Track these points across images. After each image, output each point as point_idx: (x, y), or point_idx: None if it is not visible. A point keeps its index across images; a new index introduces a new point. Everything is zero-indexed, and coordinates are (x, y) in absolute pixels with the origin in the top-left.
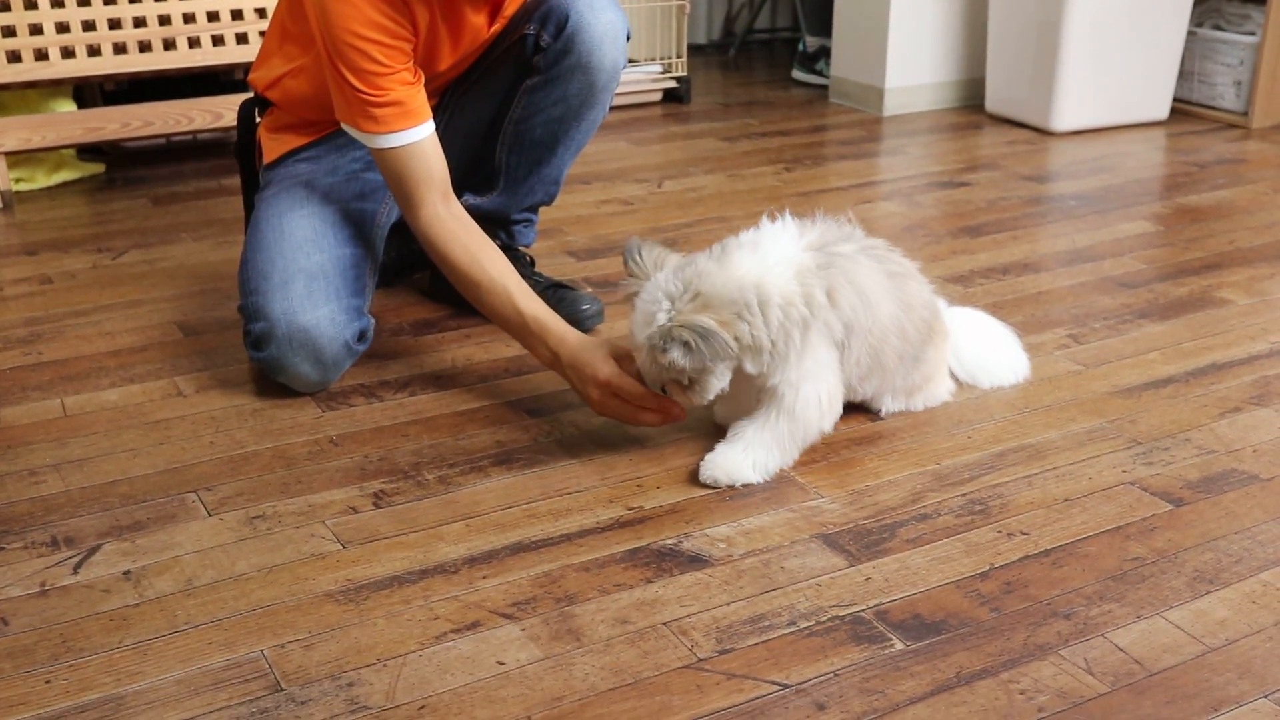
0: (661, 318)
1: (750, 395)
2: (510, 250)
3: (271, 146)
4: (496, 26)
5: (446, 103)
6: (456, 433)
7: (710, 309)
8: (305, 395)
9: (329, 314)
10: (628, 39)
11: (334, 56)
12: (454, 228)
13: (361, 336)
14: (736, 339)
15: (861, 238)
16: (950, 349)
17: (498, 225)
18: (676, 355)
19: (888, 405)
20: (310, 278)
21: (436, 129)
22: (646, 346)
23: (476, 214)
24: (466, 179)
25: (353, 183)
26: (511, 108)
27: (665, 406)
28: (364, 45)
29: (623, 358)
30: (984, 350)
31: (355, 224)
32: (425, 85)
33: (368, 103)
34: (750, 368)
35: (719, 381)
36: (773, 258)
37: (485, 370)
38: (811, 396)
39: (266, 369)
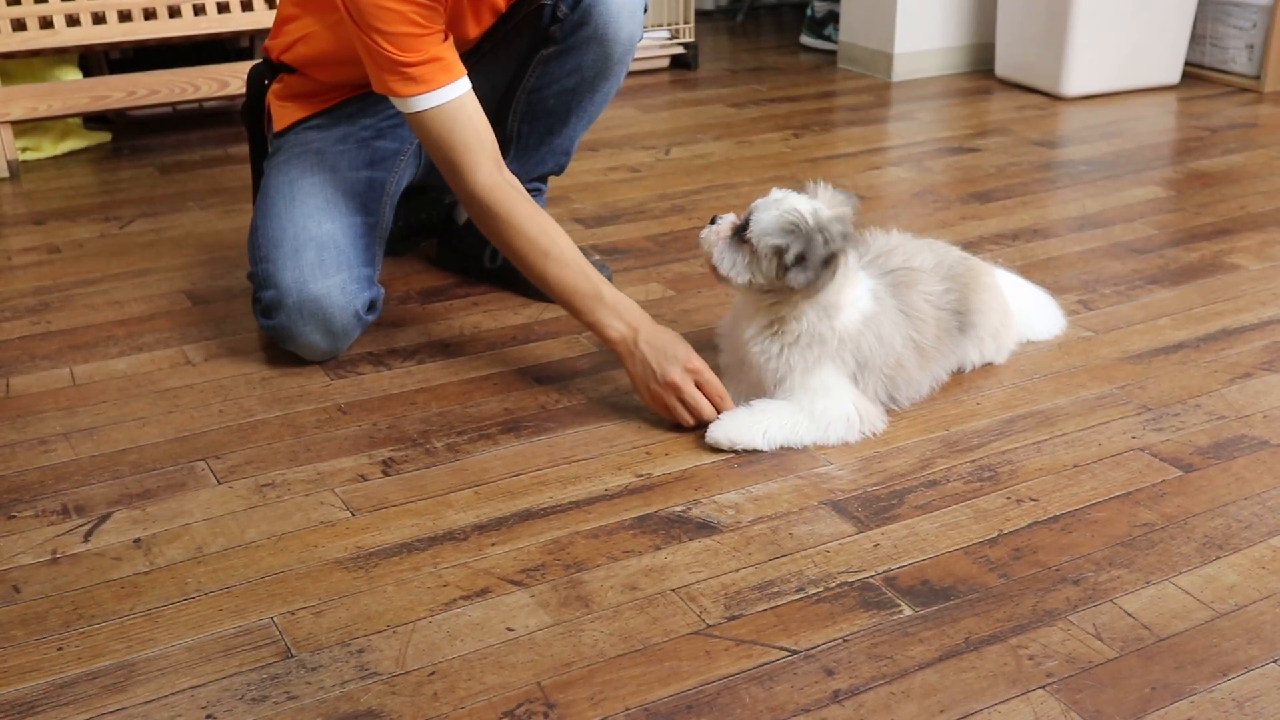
0: (807, 219)
1: (756, 369)
2: None
3: (281, 114)
4: None
5: None
6: (465, 400)
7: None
8: (314, 364)
9: (340, 283)
10: (645, 10)
11: (365, 28)
12: (515, 195)
13: (371, 306)
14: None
15: (872, 250)
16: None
17: None
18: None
19: (972, 364)
20: (321, 246)
21: None
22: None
23: None
24: None
25: (363, 150)
26: (525, 77)
27: (706, 413)
28: (399, 6)
29: (693, 357)
30: (1020, 307)
31: (365, 192)
32: None
33: (404, 64)
34: (763, 346)
35: (741, 277)
36: (863, 290)
37: (493, 338)
38: (837, 413)
39: (276, 337)
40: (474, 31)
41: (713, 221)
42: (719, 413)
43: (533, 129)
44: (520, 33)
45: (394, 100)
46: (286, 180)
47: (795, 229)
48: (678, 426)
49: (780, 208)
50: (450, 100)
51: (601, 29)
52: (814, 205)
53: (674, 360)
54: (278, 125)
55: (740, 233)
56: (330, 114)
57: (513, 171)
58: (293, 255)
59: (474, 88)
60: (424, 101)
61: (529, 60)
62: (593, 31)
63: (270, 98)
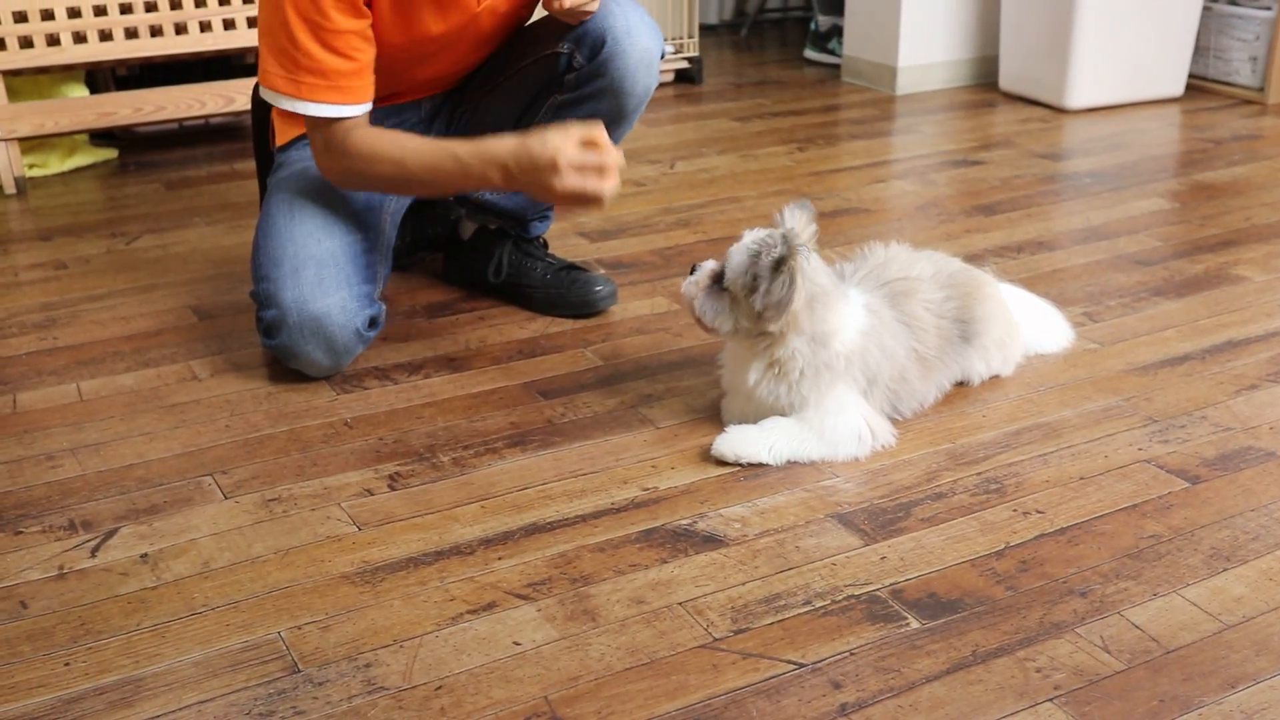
0: (773, 248)
1: (767, 406)
2: (523, 240)
3: (284, 129)
4: (490, 2)
5: (469, 99)
6: (470, 414)
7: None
8: (319, 379)
9: (339, 301)
10: (662, 57)
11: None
12: (376, 141)
13: (373, 323)
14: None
15: (863, 263)
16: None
17: (514, 222)
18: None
19: (979, 376)
20: (320, 265)
21: (459, 122)
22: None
23: (495, 210)
24: None
25: None
26: (538, 117)
27: (620, 162)
28: None
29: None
30: (1026, 320)
31: (364, 210)
32: (430, 68)
33: (299, 64)
34: (764, 388)
35: (722, 326)
36: (855, 309)
37: (498, 352)
38: (847, 430)
39: (279, 355)
40: (440, 28)
41: (692, 271)
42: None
43: None
44: (534, 74)
45: (267, 94)
46: (286, 198)
47: (758, 257)
48: (683, 440)
49: (745, 245)
50: (332, 118)
51: (618, 82)
52: (780, 232)
53: (549, 157)
54: (280, 140)
55: (719, 280)
56: None
57: (522, 204)
58: (293, 274)
59: (483, 118)
60: (298, 106)
61: (541, 100)
62: (608, 84)
63: (274, 113)
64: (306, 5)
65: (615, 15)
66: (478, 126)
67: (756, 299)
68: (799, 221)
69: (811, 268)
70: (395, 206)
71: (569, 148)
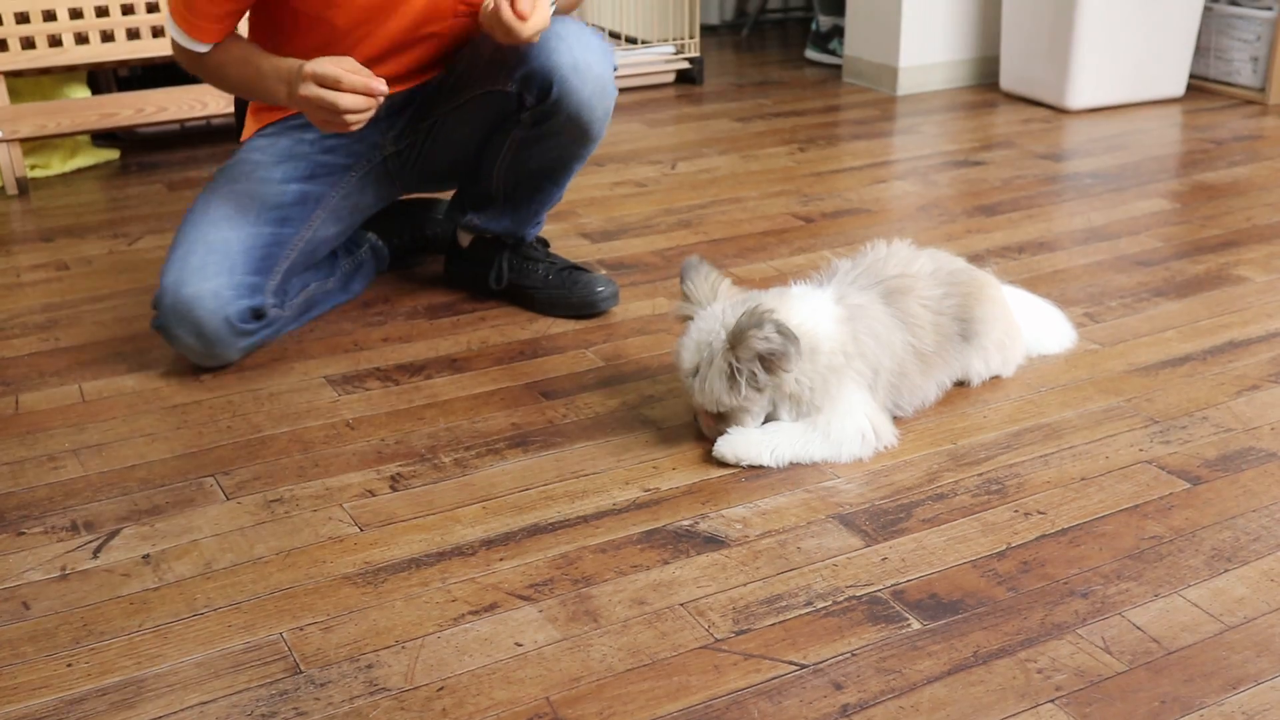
0: (718, 346)
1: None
2: (522, 243)
3: (249, 126)
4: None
5: (429, 117)
6: (472, 415)
7: None
8: (321, 380)
9: (213, 289)
10: (615, 69)
11: None
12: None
13: (255, 315)
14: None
15: (862, 260)
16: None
17: (507, 236)
18: (768, 346)
19: (979, 376)
20: (209, 250)
21: (420, 138)
22: (728, 361)
23: (486, 235)
24: (463, 193)
25: (302, 163)
26: (501, 153)
27: (368, 85)
28: None
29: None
30: (1028, 322)
31: (292, 204)
32: (368, 47)
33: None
34: (785, 414)
35: (754, 421)
36: (821, 307)
37: (500, 353)
38: (853, 430)
39: (163, 336)
40: (395, 22)
41: (717, 435)
42: (363, 88)
43: (519, 187)
44: (487, 106)
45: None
46: (212, 189)
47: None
48: (684, 441)
49: (698, 346)
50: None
51: (574, 117)
52: (698, 338)
53: (298, 80)
54: (244, 136)
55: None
56: (279, 125)
57: (509, 226)
58: (181, 259)
59: (447, 141)
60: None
61: (501, 133)
62: (565, 120)
63: (248, 111)
64: None
65: (559, 51)
66: (447, 147)
67: (754, 385)
68: (700, 281)
69: (754, 330)
70: (338, 203)
71: (323, 63)
